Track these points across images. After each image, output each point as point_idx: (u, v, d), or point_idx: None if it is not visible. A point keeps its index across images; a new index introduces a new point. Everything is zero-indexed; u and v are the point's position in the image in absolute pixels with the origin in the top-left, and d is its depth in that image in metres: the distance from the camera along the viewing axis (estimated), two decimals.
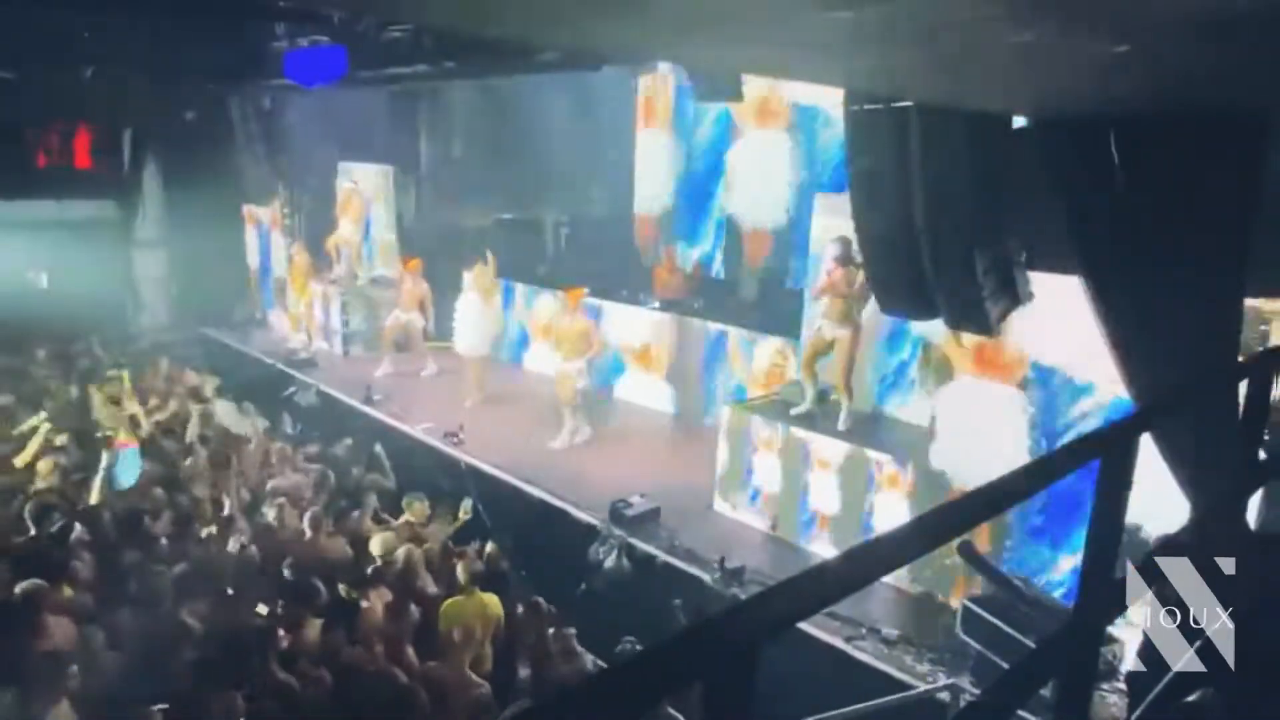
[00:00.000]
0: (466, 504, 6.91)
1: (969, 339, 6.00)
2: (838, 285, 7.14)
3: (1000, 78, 3.00)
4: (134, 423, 8.15)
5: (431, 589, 5.59)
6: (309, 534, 6.09)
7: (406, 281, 11.45)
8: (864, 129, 4.79)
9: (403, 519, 6.75)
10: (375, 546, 5.95)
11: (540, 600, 5.43)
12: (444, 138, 13.45)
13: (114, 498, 6.60)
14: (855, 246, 6.87)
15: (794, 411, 7.55)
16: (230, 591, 5.35)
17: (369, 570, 5.73)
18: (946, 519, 1.48)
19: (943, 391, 6.47)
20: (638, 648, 5.15)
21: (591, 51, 6.90)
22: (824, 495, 7.07)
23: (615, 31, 2.99)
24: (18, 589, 4.75)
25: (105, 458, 6.86)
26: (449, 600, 5.33)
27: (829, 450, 7.06)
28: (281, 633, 4.75)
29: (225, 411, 8.08)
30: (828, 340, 7.31)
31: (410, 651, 4.81)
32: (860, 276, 6.98)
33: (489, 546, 6.23)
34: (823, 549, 6.94)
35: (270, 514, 6.49)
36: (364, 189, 13.42)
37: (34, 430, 7.49)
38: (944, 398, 6.45)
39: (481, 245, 12.50)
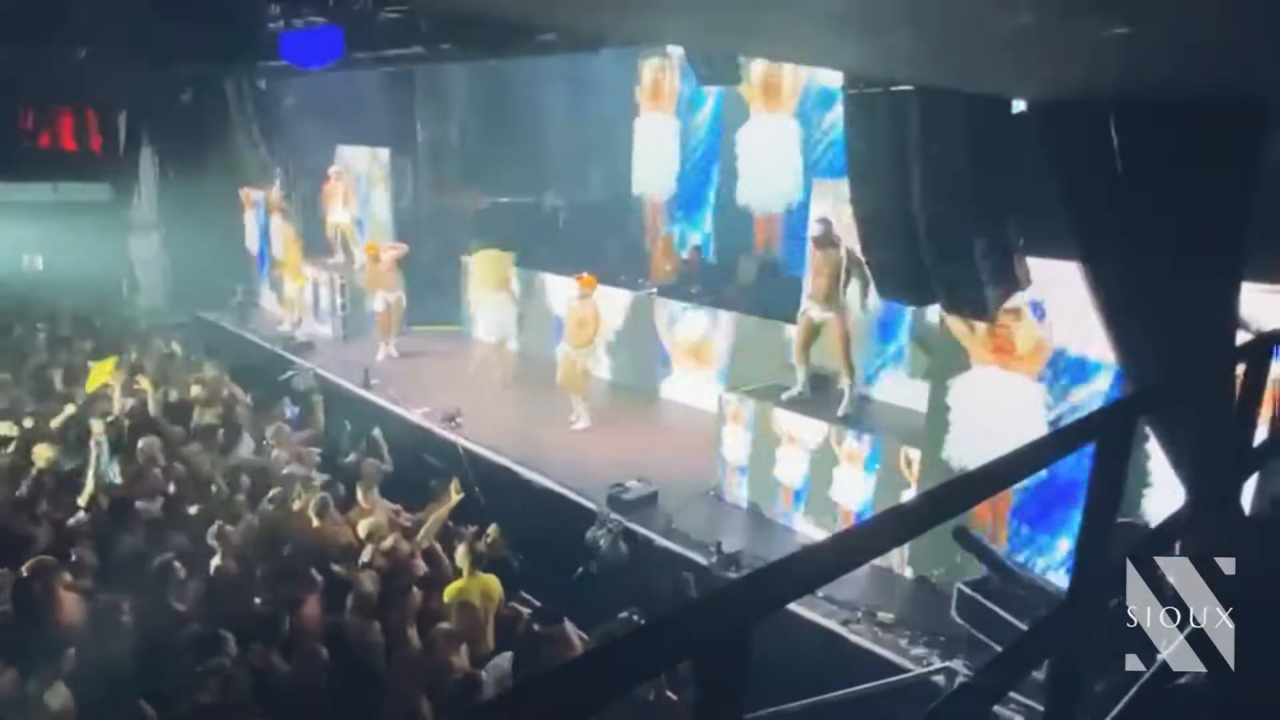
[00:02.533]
0: (455, 484, 6.92)
1: (984, 327, 5.84)
2: (819, 267, 7.15)
3: (1000, 60, 2.99)
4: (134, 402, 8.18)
5: (423, 571, 5.60)
6: (314, 520, 6.08)
7: (377, 263, 11.51)
8: (862, 112, 4.77)
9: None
10: (362, 529, 5.97)
11: (519, 608, 5.45)
12: (441, 120, 13.39)
13: (113, 480, 6.59)
14: (835, 228, 6.92)
15: (785, 396, 7.56)
16: (229, 574, 5.36)
17: (363, 555, 5.73)
18: (942, 501, 1.48)
19: (957, 381, 6.26)
20: (636, 619, 5.16)
21: (590, 33, 6.85)
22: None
23: (614, 13, 2.97)
24: (25, 565, 4.77)
25: (95, 445, 6.86)
26: (453, 584, 5.35)
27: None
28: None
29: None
30: (816, 323, 7.30)
31: (413, 634, 4.83)
32: (841, 258, 6.99)
33: (491, 529, 6.24)
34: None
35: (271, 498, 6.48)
36: (361, 172, 13.37)
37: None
38: (958, 387, 6.26)
39: (478, 228, 12.50)
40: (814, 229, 7.16)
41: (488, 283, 10.47)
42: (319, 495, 6.21)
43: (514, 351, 10.80)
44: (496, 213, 12.98)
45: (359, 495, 6.60)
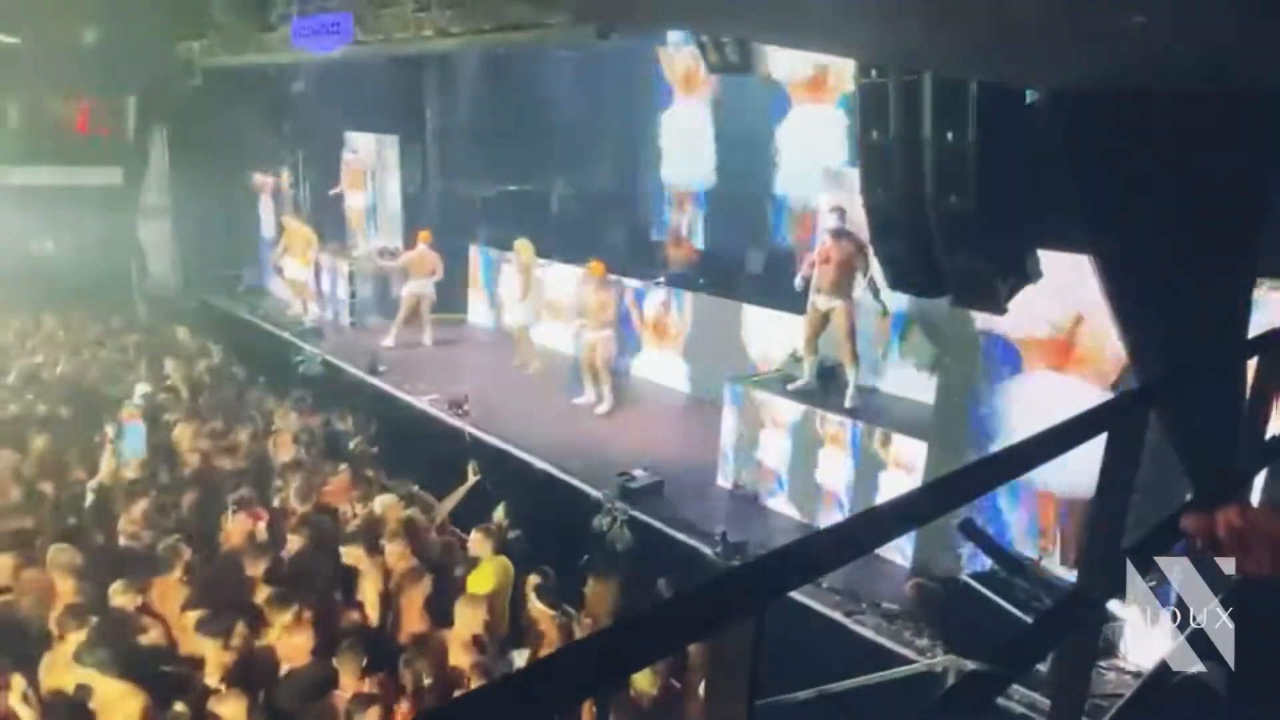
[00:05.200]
0: (473, 465, 6.96)
1: (1047, 333, 5.75)
2: (830, 257, 7.13)
3: (1016, 49, 2.97)
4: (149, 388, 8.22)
5: (437, 555, 5.63)
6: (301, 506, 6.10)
7: (419, 251, 11.45)
8: (875, 102, 4.75)
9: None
10: (377, 507, 5.99)
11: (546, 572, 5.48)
12: (450, 107, 13.39)
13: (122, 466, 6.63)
14: (847, 218, 6.91)
15: (791, 387, 7.56)
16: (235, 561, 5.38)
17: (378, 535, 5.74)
18: (954, 487, 1.48)
19: (1015, 383, 6.07)
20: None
21: (602, 19, 6.82)
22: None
23: None
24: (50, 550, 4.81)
25: (111, 430, 6.90)
26: (476, 569, 5.38)
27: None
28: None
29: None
30: (823, 313, 7.30)
31: (422, 615, 4.85)
32: (850, 248, 6.99)
33: (498, 510, 6.28)
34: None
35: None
36: (369, 158, 13.37)
37: None
38: (1018, 391, 6.05)
39: (486, 216, 12.48)
40: (829, 219, 7.12)
41: (513, 271, 10.54)
42: (294, 486, 6.22)
43: (529, 338, 10.82)
44: (504, 200, 12.98)
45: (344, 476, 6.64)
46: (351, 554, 5.36)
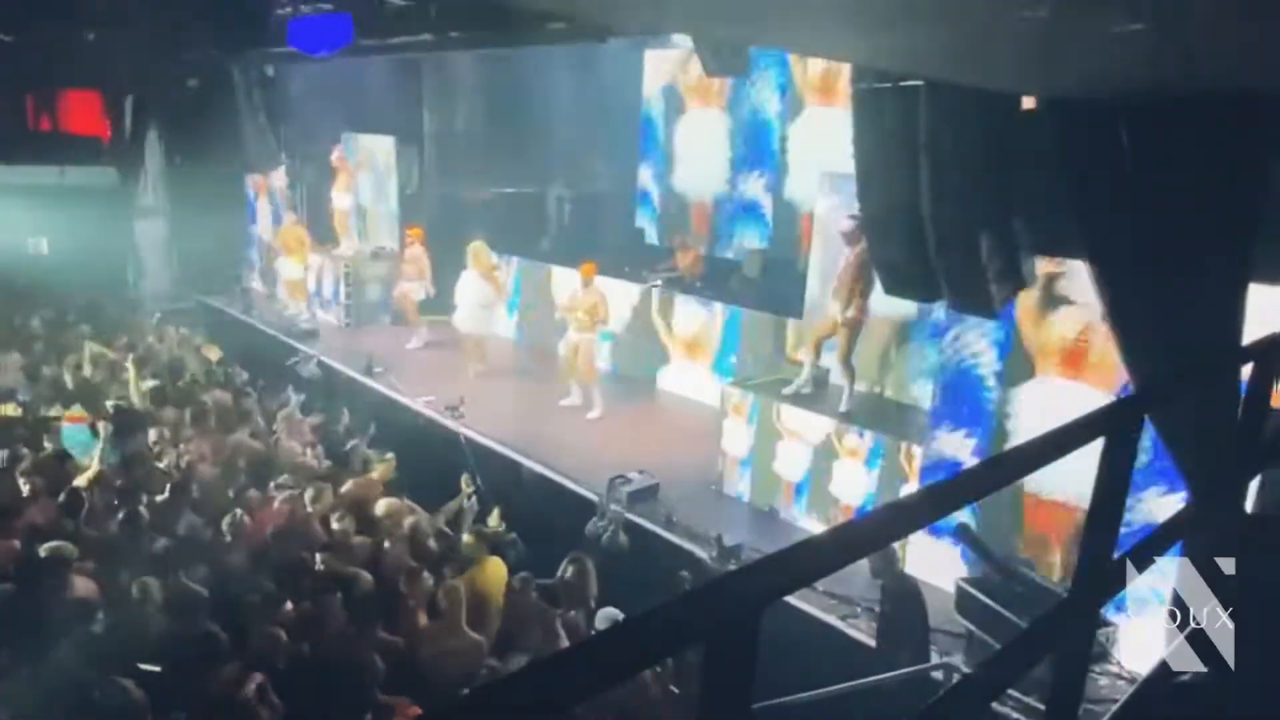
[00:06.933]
0: (465, 479, 6.95)
1: (1056, 337, 5.74)
2: (850, 264, 7.11)
3: (1013, 57, 2.98)
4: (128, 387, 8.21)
5: (435, 557, 5.64)
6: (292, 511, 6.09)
7: (413, 250, 11.38)
8: (870, 108, 4.75)
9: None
10: (380, 509, 5.98)
11: (529, 576, 5.49)
12: (447, 109, 13.37)
13: (114, 468, 6.61)
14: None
15: (786, 391, 7.56)
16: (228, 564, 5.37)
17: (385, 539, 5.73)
18: (951, 492, 1.49)
19: (1023, 390, 6.01)
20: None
21: (600, 22, 6.83)
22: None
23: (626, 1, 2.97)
24: (43, 549, 4.80)
25: (102, 428, 6.90)
26: (469, 571, 5.38)
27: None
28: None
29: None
30: (835, 321, 7.27)
31: (421, 618, 4.86)
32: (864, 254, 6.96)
33: (493, 514, 6.29)
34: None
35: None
36: (367, 159, 13.35)
37: None
38: (1024, 397, 6.01)
39: (483, 218, 12.47)
40: (844, 225, 7.07)
41: (471, 273, 10.45)
42: (287, 494, 6.21)
43: (488, 339, 10.81)
44: (501, 202, 12.96)
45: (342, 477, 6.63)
46: (349, 556, 5.36)
